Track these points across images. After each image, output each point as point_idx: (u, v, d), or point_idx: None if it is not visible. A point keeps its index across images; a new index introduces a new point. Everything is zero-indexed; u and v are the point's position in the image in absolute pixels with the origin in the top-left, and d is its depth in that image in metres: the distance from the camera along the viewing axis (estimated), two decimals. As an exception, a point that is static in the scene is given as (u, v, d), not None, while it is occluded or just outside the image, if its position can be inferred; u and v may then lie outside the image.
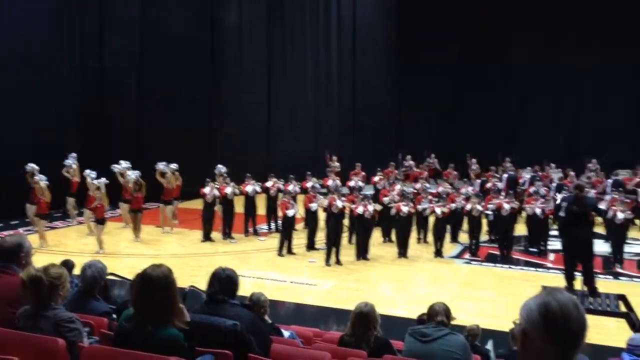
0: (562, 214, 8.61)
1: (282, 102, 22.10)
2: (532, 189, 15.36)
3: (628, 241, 13.70)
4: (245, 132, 20.77)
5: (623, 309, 8.35)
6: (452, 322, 4.90)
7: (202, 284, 4.19)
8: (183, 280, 9.11)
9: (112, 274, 7.55)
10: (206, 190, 14.49)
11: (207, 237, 14.63)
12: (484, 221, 14.33)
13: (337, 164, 18.61)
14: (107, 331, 3.85)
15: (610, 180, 16.42)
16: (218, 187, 14.59)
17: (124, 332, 3.18)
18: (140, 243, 14.25)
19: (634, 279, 12.18)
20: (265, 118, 21.95)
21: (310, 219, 14.11)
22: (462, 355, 4.65)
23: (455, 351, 4.62)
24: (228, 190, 14.57)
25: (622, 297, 8.66)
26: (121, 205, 15.30)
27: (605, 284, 10.08)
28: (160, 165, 15.56)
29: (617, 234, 13.09)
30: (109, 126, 18.21)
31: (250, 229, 15.35)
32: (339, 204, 12.88)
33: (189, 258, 13.07)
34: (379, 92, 23.15)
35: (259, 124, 21.59)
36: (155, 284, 3.06)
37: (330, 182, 16.10)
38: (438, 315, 4.79)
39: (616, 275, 12.25)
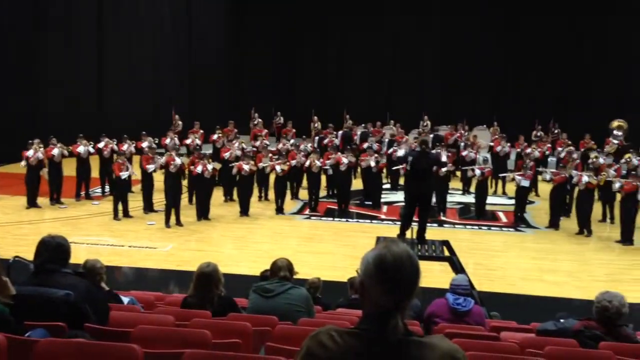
0: (408, 167, 9.12)
1: (115, 58, 20.74)
2: (365, 145, 16.08)
3: (450, 191, 14.95)
4: (73, 88, 19.24)
5: (447, 253, 9.13)
6: (295, 276, 5.02)
7: (29, 255, 3.86)
8: (6, 251, 8.37)
9: None
10: (29, 152, 13.29)
11: (32, 203, 13.50)
12: (323, 177, 14.80)
13: (180, 122, 18.08)
14: None
15: (432, 135, 17.67)
16: (43, 148, 13.46)
17: None
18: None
19: (456, 226, 13.37)
20: (96, 74, 20.48)
21: (147, 180, 13.59)
22: (304, 307, 4.81)
23: (297, 304, 4.75)
24: (55, 151, 13.51)
25: (446, 243, 9.46)
26: None
27: (431, 232, 10.92)
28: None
29: (440, 185, 14.20)
30: None
31: (83, 193, 14.45)
32: (178, 162, 12.52)
33: (11, 227, 12.02)
34: (217, 49, 22.65)
35: (88, 79, 20.09)
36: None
37: (168, 141, 15.59)
38: (281, 271, 4.88)
39: (440, 223, 13.35)
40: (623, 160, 13.92)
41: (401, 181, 14.93)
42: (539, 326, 5.05)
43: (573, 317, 4.80)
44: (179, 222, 12.60)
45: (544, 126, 18.76)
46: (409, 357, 1.78)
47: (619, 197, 12.69)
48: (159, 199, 13.63)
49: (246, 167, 13.47)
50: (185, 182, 13.45)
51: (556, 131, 18.64)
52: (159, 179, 13.39)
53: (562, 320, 4.84)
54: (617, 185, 12.34)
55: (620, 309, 4.31)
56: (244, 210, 13.58)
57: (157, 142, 15.51)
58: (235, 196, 14.24)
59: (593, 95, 20.42)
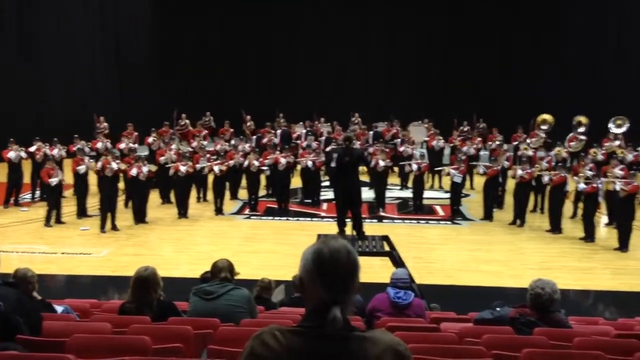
0: (333, 164, 9.12)
1: (46, 60, 19.92)
2: (304, 143, 16.10)
3: (388, 187, 15.16)
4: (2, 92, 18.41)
5: (387, 248, 9.25)
6: (237, 277, 4.97)
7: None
8: None
9: None
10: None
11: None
12: (262, 176, 14.73)
13: (105, 124, 17.54)
14: None
15: (371, 132, 17.89)
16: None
17: None
18: None
19: (395, 221, 13.57)
20: (23, 76, 19.61)
21: (79, 183, 13.15)
22: (246, 308, 4.77)
23: (239, 305, 4.71)
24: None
25: (386, 238, 9.58)
26: None
27: (371, 227, 11.06)
28: None
29: (379, 181, 14.39)
30: None
31: (12, 199, 13.86)
32: (114, 166, 12.17)
33: None
34: (145, 49, 22.10)
35: (21, 81, 19.22)
36: None
37: (99, 145, 15.15)
38: (221, 272, 4.82)
39: (380, 219, 13.52)
40: (553, 153, 14.45)
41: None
42: (476, 316, 5.20)
43: (508, 305, 4.96)
44: (114, 227, 12.26)
45: (469, 122, 19.29)
46: (351, 352, 1.79)
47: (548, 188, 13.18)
48: (92, 203, 13.23)
49: (183, 169, 13.25)
50: (121, 185, 13.09)
51: (481, 126, 19.20)
52: (93, 182, 13.00)
53: (498, 309, 4.99)
54: (546, 177, 12.82)
55: (553, 295, 4.48)
56: (182, 212, 13.36)
57: (89, 146, 15.08)
58: (172, 198, 13.98)
59: (521, 92, 21.13)
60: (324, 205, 14.66)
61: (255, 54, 23.14)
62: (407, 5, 22.37)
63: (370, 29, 22.90)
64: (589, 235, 11.80)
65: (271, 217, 13.78)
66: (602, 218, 12.93)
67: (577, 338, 4.05)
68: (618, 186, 11.32)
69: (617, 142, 15.67)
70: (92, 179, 12.98)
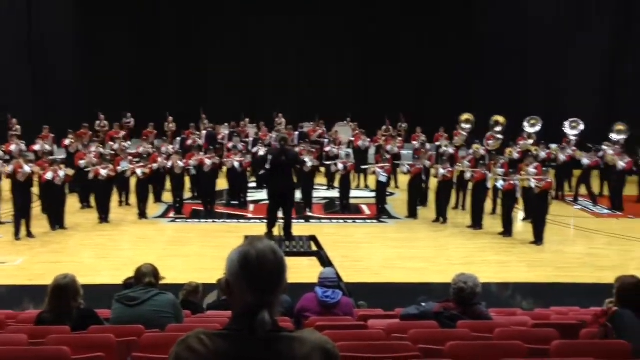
0: (267, 165, 9.10)
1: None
2: (230, 144, 15.93)
3: (315, 187, 15.23)
4: None
5: (314, 248, 9.29)
6: (162, 282, 4.85)
7: None
8: None
9: None
10: None
11: None
12: (187, 178, 14.45)
13: (17, 127, 16.73)
14: None
15: (297, 133, 17.93)
16: None
17: None
18: None
19: (322, 221, 13.65)
20: None
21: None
22: (172, 313, 4.65)
23: (164, 310, 4.59)
24: None
25: (313, 238, 9.62)
26: None
27: (298, 227, 11.06)
28: None
29: (306, 181, 14.42)
30: None
31: None
32: (26, 169, 11.60)
33: None
34: (62, 47, 21.21)
35: None
36: None
37: (13, 147, 14.44)
38: (145, 277, 4.69)
39: (307, 219, 13.56)
40: (471, 151, 14.95)
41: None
42: (402, 311, 5.30)
43: (433, 300, 5.08)
44: (30, 234, 11.70)
45: (393, 121, 19.69)
46: (279, 353, 1.78)
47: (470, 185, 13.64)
48: (5, 209, 12.58)
49: (104, 172, 12.81)
50: (36, 190, 12.51)
51: (404, 125, 19.66)
52: (6, 188, 12.35)
53: (423, 304, 5.10)
54: (468, 174, 13.25)
55: (475, 289, 4.63)
56: (104, 217, 12.91)
57: (2, 149, 14.35)
58: (93, 202, 13.49)
59: (445, 92, 21.76)
60: (251, 207, 14.56)
61: (178, 54, 22.67)
62: (332, 6, 22.56)
63: (296, 29, 22.91)
64: (507, 230, 12.28)
65: (197, 220, 13.54)
66: (519, 214, 13.48)
67: (498, 329, 4.20)
68: (533, 183, 11.85)
69: (531, 141, 16.41)
70: (6, 184, 12.33)
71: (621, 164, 14.30)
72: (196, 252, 11.05)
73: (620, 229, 12.91)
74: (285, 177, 9.13)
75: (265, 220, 9.89)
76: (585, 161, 15.00)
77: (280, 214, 9.56)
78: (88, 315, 4.54)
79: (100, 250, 11.27)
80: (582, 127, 16.86)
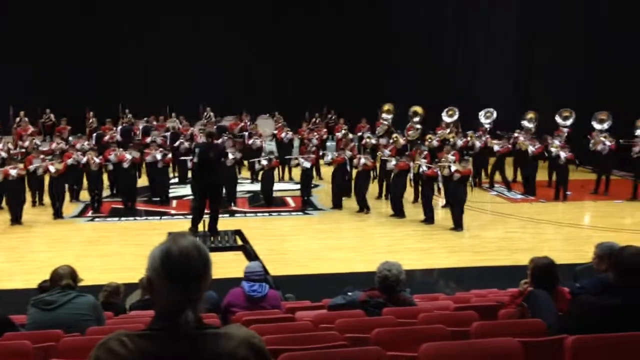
0: (195, 160, 8.95)
1: None
2: (148, 139, 15.52)
3: (239, 181, 15.09)
4: None
5: (240, 242, 9.21)
6: (81, 284, 4.66)
7: None
8: None
9: None
10: None
11: None
12: (105, 176, 13.96)
13: None
14: None
15: (216, 127, 17.68)
16: None
17: None
18: None
19: (247, 214, 13.56)
20: None
21: None
22: (92, 315, 4.49)
23: (84, 313, 4.42)
24: None
25: (238, 232, 9.54)
26: None
27: (223, 222, 10.93)
28: None
29: (229, 176, 14.20)
30: None
31: None
32: None
33: None
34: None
35: None
36: None
37: None
38: (63, 279, 4.50)
39: (232, 213, 13.43)
40: (392, 141, 15.25)
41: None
42: (329, 302, 5.35)
43: (359, 289, 5.15)
44: None
45: (321, 113, 19.83)
46: (205, 351, 1.75)
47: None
48: None
49: (13, 172, 12.17)
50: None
51: (332, 117, 19.85)
52: None
53: (349, 294, 5.17)
54: (390, 164, 13.49)
55: (399, 276, 4.73)
56: (15, 219, 12.28)
57: None
58: (3, 204, 12.80)
59: (366, 83, 22.10)
60: (174, 203, 14.26)
61: (101, 49, 21.91)
62: (258, 2, 22.49)
63: (225, 23, 22.66)
64: (429, 217, 12.63)
65: (117, 218, 13.13)
66: (439, 201, 13.89)
67: (422, 314, 4.31)
68: (453, 168, 12.23)
69: (449, 130, 16.93)
70: None
71: (531, 149, 14.99)
72: (117, 252, 10.71)
73: (533, 212, 13.56)
74: (212, 172, 9.02)
75: (190, 216, 9.72)
76: (497, 148, 15.63)
77: (207, 210, 9.43)
78: (2, 322, 4.32)
79: (12, 254, 10.72)
80: (494, 116, 17.62)
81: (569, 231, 12.12)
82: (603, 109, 16.00)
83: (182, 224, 11.22)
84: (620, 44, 17.20)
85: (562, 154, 14.41)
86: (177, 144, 15.84)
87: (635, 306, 2.98)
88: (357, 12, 22.57)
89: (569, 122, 16.55)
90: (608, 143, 14.67)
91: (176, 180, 15.92)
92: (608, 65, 17.52)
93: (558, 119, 16.57)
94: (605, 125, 15.71)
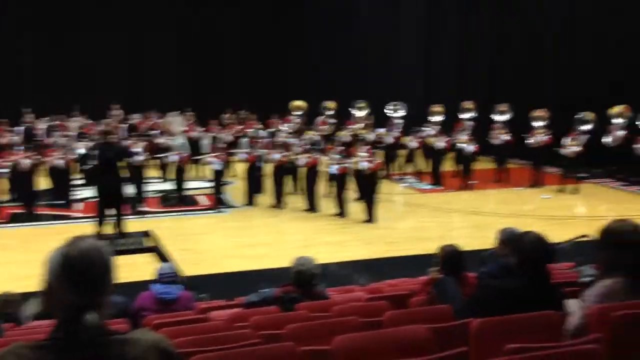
0: (95, 161, 8.62)
1: None
2: (51, 140, 14.80)
3: (149, 180, 14.68)
4: None
5: (150, 243, 8.97)
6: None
7: None
8: None
9: None
10: None
11: None
12: (4, 180, 13.20)
13: None
14: None
15: (125, 125, 17.16)
16: None
17: None
18: None
19: (158, 215, 13.21)
20: None
21: None
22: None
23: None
24: None
25: (149, 233, 9.30)
26: None
27: (133, 224, 10.61)
28: None
29: (136, 175, 13.77)
30: None
31: None
32: None
33: None
34: None
35: None
36: None
37: None
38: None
39: (142, 214, 13.03)
40: (306, 137, 15.34)
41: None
42: (244, 300, 5.31)
43: (275, 285, 5.16)
44: None
45: (234, 110, 19.64)
46: (109, 358, 1.68)
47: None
48: None
49: None
50: None
51: (243, 114, 19.70)
52: None
53: (265, 290, 5.16)
54: (301, 161, 13.54)
55: (313, 271, 4.77)
56: None
57: None
58: None
59: (278, 79, 22.09)
60: (79, 205, 13.67)
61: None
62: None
63: (126, 19, 21.95)
64: (342, 211, 12.80)
65: (17, 224, 12.43)
66: (351, 194, 14.09)
67: (335, 307, 4.35)
68: (365, 165, 12.45)
69: (361, 124, 17.23)
70: None
71: (439, 145, 15.56)
72: (15, 260, 10.10)
73: (441, 202, 14.05)
74: (113, 173, 8.72)
75: (95, 219, 9.35)
76: (413, 144, 16.17)
77: (111, 211, 9.11)
78: None
79: None
80: (403, 110, 18.06)
81: (475, 219, 12.65)
82: (503, 101, 16.84)
83: (88, 228, 10.77)
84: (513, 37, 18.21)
85: (470, 147, 15.12)
86: (77, 144, 15.15)
87: (534, 289, 3.15)
88: (262, 9, 22.58)
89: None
90: (505, 137, 15.56)
91: (80, 182, 15.25)
92: (505, 58, 18.50)
93: (494, 115, 17.10)
94: (507, 117, 16.50)
